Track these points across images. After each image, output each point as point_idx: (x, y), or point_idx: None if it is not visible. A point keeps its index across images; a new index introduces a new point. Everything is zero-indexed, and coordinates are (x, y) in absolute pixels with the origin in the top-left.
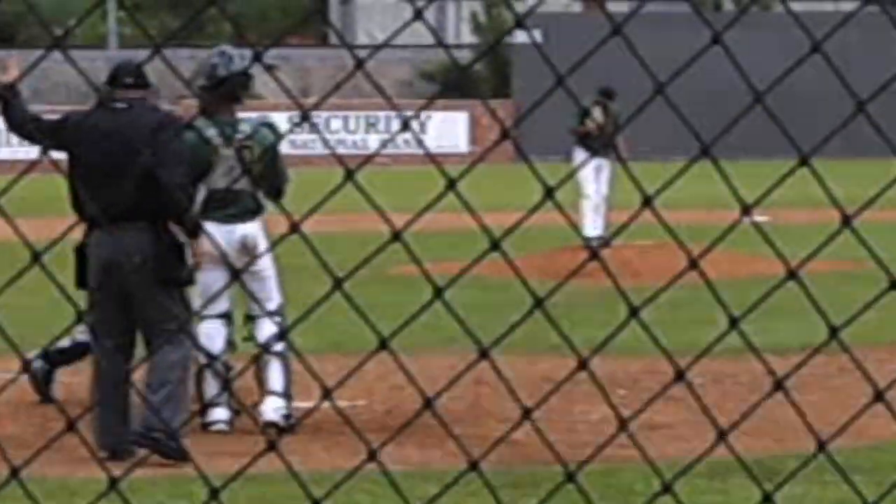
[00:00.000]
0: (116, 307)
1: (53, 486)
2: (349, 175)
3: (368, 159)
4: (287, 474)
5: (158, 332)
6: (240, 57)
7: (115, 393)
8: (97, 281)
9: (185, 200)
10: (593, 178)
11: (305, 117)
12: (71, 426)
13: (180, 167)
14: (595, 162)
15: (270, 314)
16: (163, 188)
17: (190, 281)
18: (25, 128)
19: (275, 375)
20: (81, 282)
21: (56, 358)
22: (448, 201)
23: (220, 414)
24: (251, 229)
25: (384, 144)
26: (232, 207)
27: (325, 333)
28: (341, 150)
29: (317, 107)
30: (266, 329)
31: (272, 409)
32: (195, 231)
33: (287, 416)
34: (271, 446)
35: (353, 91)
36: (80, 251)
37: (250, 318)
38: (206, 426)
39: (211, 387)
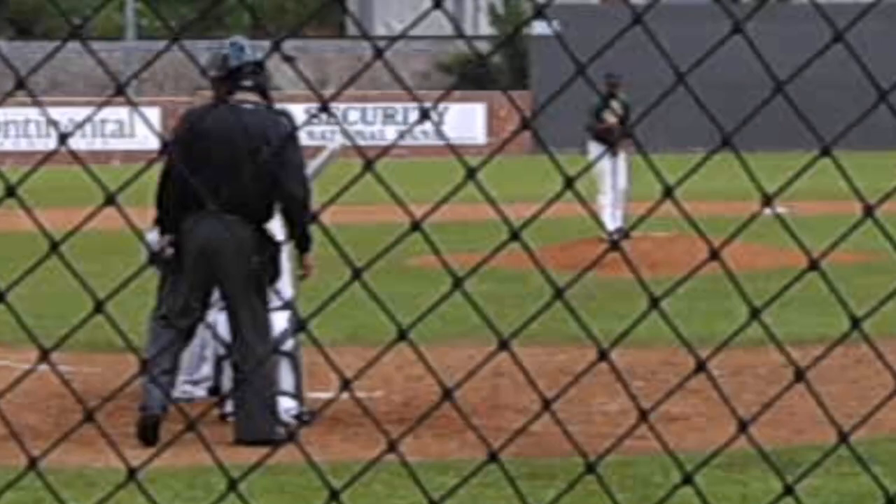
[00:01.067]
0: (199, 289)
1: (71, 476)
2: (368, 165)
3: (387, 150)
4: (304, 465)
5: (244, 328)
6: (250, 47)
7: (171, 365)
8: (190, 266)
9: (308, 212)
10: (610, 172)
11: (325, 108)
12: (90, 417)
13: (302, 179)
14: (611, 157)
15: (282, 307)
16: (286, 197)
17: (278, 276)
18: (179, 192)
19: (284, 375)
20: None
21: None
22: (465, 192)
23: None
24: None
25: (402, 135)
26: None
27: (341, 325)
28: (359, 142)
29: (335, 98)
30: (276, 325)
31: (282, 410)
32: (307, 244)
33: (298, 416)
34: (290, 437)
35: (371, 83)
36: (173, 234)
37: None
38: (224, 417)
39: (228, 378)
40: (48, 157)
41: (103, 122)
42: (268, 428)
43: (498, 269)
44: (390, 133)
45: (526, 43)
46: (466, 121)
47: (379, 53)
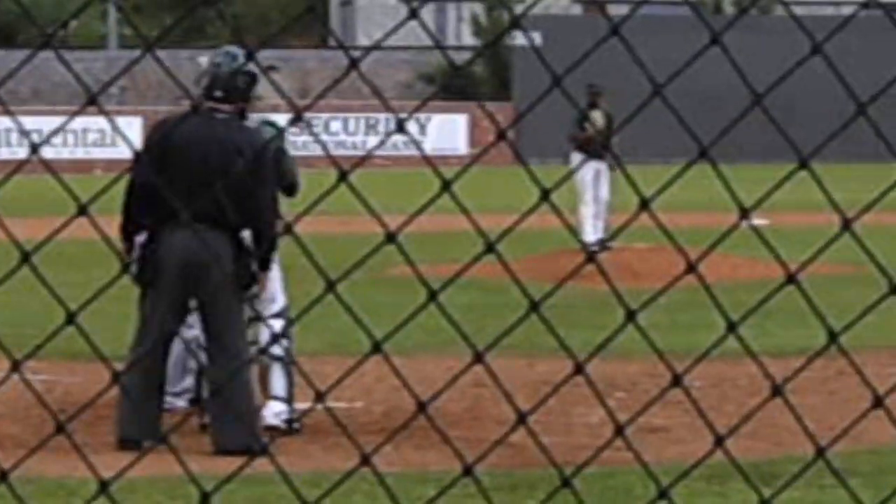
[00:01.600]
0: (178, 306)
1: (52, 485)
2: (342, 176)
3: (362, 161)
4: (288, 475)
5: (223, 338)
6: (245, 57)
7: (154, 386)
8: (170, 279)
9: (275, 224)
10: (592, 183)
11: (299, 117)
12: (60, 428)
13: (271, 189)
14: (594, 166)
15: (274, 316)
16: (257, 208)
17: (255, 280)
18: (142, 202)
19: (276, 380)
20: (141, 277)
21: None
22: (448, 204)
23: None
24: None
25: (378, 145)
26: None
27: (324, 335)
28: (341, 152)
29: (310, 108)
30: (269, 332)
31: (273, 413)
32: (267, 265)
33: (289, 421)
34: (263, 450)
35: (354, 93)
36: (148, 247)
37: (253, 320)
38: (204, 427)
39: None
40: (19, 167)
41: (85, 131)
42: (246, 438)
43: (479, 280)
44: (372, 143)
45: (508, 54)
46: (449, 131)
47: (353, 63)
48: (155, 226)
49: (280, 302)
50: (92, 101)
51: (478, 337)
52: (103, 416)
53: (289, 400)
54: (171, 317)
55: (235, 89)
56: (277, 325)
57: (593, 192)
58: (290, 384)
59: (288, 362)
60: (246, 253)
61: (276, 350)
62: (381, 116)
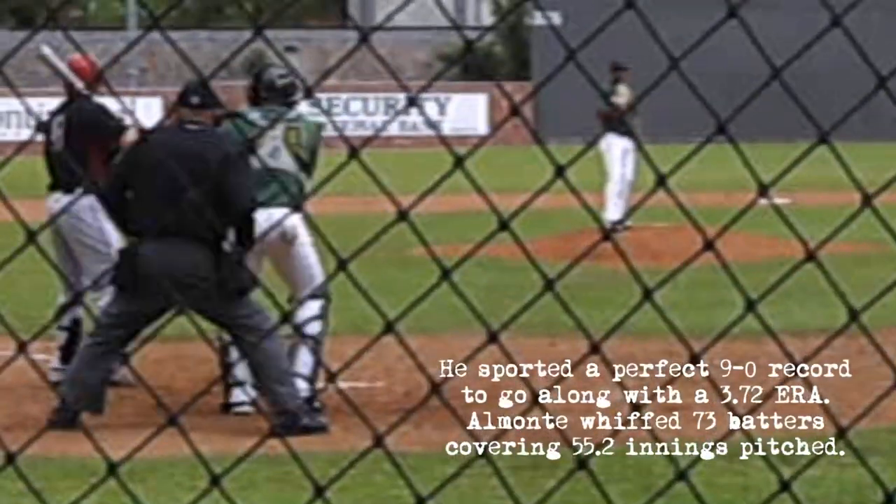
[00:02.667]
0: (146, 312)
1: (73, 466)
2: (353, 154)
3: (370, 140)
4: (308, 455)
5: (242, 335)
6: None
7: (103, 363)
8: (144, 287)
9: (253, 219)
10: (620, 161)
11: (309, 94)
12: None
13: (249, 191)
14: (622, 144)
15: (312, 297)
16: (236, 211)
17: (255, 284)
18: (122, 209)
19: (303, 359)
20: (115, 280)
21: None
22: (469, 183)
23: (242, 395)
24: (291, 217)
25: (390, 121)
26: (271, 189)
27: (346, 315)
28: (361, 132)
29: (318, 84)
30: (306, 311)
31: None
32: (250, 245)
33: (309, 400)
34: (272, 432)
35: (374, 73)
36: (126, 254)
37: (292, 299)
38: (226, 406)
39: (239, 368)
40: (22, 147)
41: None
42: (303, 415)
43: (501, 260)
44: (393, 124)
45: (528, 34)
46: (468, 111)
47: (364, 38)
48: (133, 235)
49: (318, 281)
50: (99, 79)
51: (499, 316)
52: (125, 395)
53: (312, 379)
54: (137, 321)
55: (211, 97)
56: (315, 305)
57: (621, 169)
58: (317, 364)
59: (319, 342)
60: (229, 262)
61: (310, 329)
62: (402, 97)
